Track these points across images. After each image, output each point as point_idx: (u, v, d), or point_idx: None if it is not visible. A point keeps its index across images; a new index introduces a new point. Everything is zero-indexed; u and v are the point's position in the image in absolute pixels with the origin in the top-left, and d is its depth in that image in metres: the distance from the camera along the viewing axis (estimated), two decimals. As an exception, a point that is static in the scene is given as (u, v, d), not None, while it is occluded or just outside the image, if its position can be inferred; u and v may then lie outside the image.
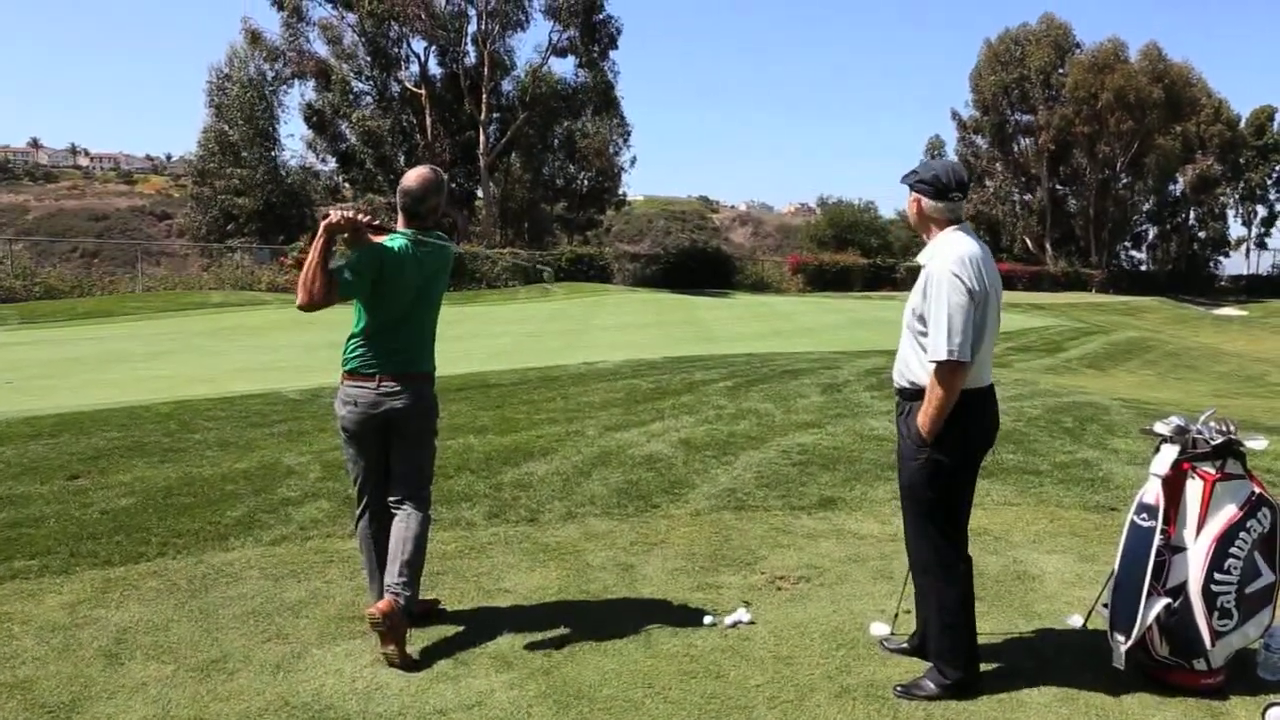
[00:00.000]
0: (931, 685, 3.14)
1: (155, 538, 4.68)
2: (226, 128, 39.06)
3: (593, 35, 38.57)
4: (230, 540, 4.68)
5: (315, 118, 39.36)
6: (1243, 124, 61.93)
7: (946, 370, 3.02)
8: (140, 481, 5.70)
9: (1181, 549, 3.20)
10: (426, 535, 3.62)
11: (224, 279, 26.86)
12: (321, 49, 38.82)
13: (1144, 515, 3.17)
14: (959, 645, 3.17)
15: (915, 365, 3.18)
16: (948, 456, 3.13)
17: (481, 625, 3.73)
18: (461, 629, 3.69)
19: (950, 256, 3.07)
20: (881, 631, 3.65)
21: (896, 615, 3.72)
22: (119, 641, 3.53)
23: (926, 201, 3.19)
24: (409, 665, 3.34)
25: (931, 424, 3.06)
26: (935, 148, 59.07)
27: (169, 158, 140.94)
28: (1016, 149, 55.91)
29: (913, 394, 3.19)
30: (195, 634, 3.60)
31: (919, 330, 3.13)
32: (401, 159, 38.67)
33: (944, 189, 3.17)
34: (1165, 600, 3.16)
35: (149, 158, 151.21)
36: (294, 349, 14.26)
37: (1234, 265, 67.15)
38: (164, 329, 17.38)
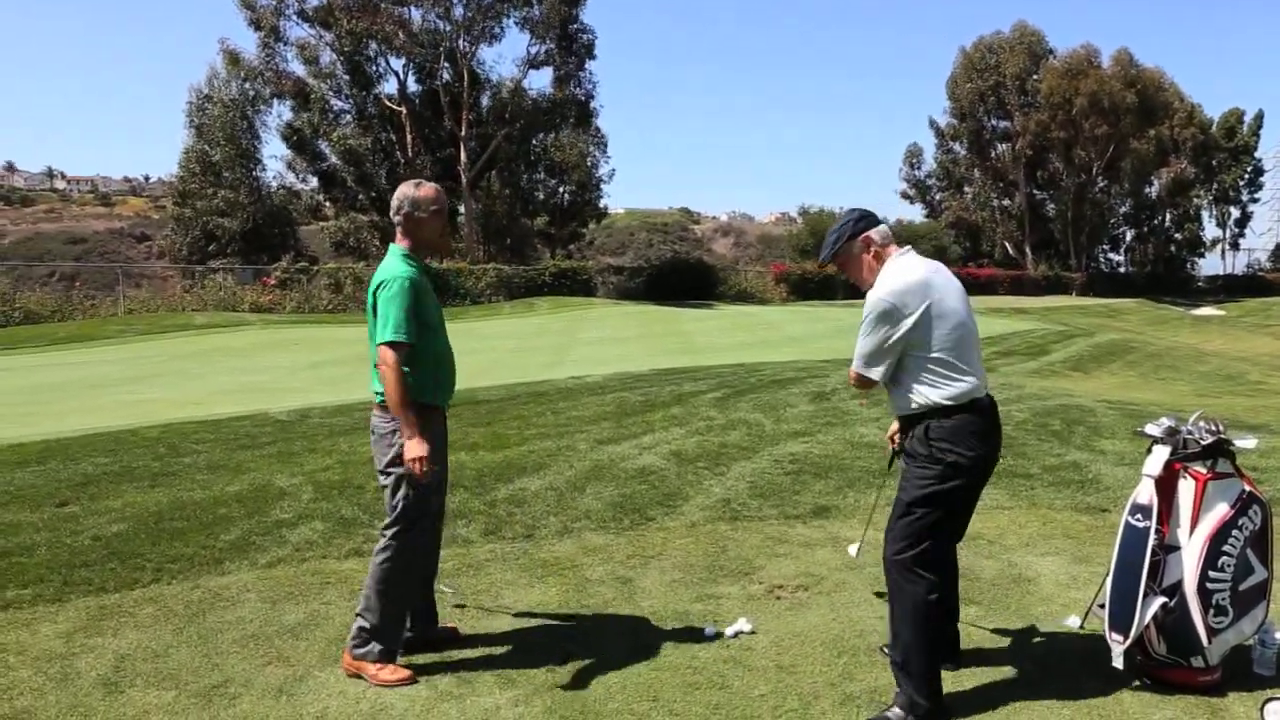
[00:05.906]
0: (900, 712, 3.03)
1: (149, 563, 4.64)
2: (208, 148, 38.90)
3: (569, 47, 38.69)
4: (226, 564, 4.65)
5: (295, 137, 39.28)
6: (1214, 127, 62.88)
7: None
8: (131, 507, 5.65)
9: (1176, 548, 3.24)
10: (387, 574, 3.44)
11: (207, 300, 26.63)
12: (299, 69, 38.84)
13: (1138, 516, 3.21)
14: (928, 666, 3.07)
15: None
16: (960, 471, 3.12)
17: (483, 642, 3.73)
18: (464, 647, 3.68)
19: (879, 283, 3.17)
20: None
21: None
22: (118, 669, 3.49)
23: (876, 233, 3.21)
24: (397, 682, 3.35)
25: None
26: (914, 155, 59.62)
27: (147, 179, 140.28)
28: (994, 155, 56.51)
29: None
30: (195, 659, 3.58)
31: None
32: (383, 177, 38.61)
33: (874, 217, 3.27)
34: (1161, 599, 3.20)
35: (127, 179, 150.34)
36: (279, 370, 14.19)
37: (1210, 266, 68.13)
38: (147, 352, 17.23)
